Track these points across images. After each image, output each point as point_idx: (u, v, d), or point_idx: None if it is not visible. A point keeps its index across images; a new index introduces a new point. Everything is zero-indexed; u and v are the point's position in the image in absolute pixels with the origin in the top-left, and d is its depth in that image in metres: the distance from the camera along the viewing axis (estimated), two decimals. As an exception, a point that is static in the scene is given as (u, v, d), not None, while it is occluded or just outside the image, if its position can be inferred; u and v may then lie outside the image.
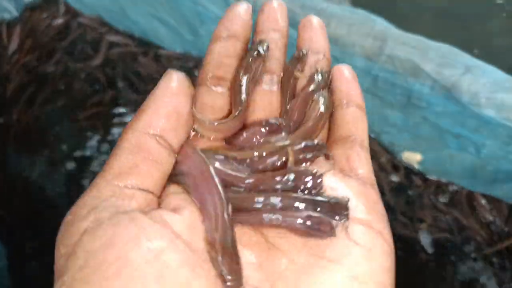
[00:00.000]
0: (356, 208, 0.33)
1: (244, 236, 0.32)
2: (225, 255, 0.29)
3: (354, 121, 0.38)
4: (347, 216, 0.32)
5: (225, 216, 0.31)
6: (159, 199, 0.32)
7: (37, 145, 0.98)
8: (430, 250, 0.92)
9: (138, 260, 0.26)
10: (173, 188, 0.32)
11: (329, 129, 0.40)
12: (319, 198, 0.33)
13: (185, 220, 0.30)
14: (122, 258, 0.26)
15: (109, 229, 0.27)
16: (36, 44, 1.05)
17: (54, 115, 1.01)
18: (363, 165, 0.36)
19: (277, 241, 0.32)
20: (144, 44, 1.06)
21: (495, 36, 0.87)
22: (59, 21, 1.07)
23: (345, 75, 0.41)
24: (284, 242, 0.32)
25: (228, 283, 0.29)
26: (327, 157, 0.36)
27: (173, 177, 0.33)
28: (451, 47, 0.77)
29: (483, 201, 0.94)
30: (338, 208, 0.32)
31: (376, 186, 0.36)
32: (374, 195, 0.35)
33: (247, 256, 0.31)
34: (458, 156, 0.89)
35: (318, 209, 0.32)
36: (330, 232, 0.32)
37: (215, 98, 0.36)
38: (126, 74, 1.04)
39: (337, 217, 0.32)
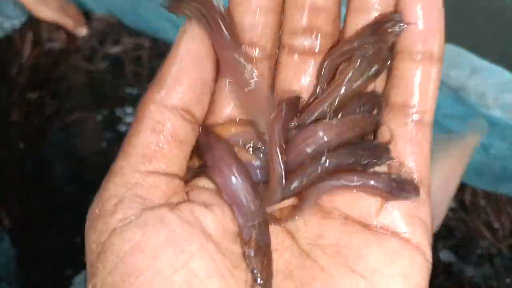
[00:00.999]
0: (392, 216, 0.30)
1: (275, 239, 0.31)
2: (260, 253, 0.28)
3: (418, 83, 0.30)
4: (389, 158, 0.30)
5: (261, 212, 0.29)
6: (186, 185, 0.30)
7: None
8: (441, 254, 0.93)
9: (166, 268, 0.25)
10: (202, 181, 0.30)
11: (385, 85, 0.32)
12: (360, 144, 0.30)
13: (217, 217, 0.28)
14: (150, 266, 0.25)
15: (138, 231, 0.26)
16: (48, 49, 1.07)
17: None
18: (415, 153, 0.30)
19: (309, 247, 0.30)
20: (156, 43, 1.07)
21: (502, 37, 0.86)
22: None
23: (423, 4, 0.30)
24: (316, 250, 0.30)
25: (259, 282, 0.28)
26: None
27: (200, 168, 0.31)
28: (458, 48, 0.76)
29: (486, 200, 0.94)
30: (380, 151, 0.30)
31: (427, 182, 0.30)
32: (425, 208, 0.30)
33: (276, 262, 0.30)
34: (466, 155, 0.89)
35: (361, 153, 0.30)
36: (415, 192, 0.29)
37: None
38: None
39: (379, 161, 0.30)
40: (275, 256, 0.30)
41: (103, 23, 1.08)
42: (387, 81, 0.32)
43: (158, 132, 0.28)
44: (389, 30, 0.30)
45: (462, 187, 0.95)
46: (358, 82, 0.31)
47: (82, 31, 1.03)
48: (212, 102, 0.31)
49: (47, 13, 0.98)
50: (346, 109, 0.31)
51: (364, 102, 0.31)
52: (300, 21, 0.31)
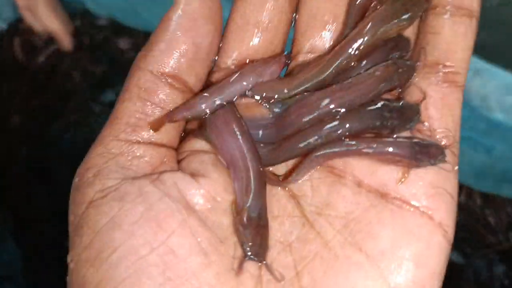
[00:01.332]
0: (414, 186, 0.27)
1: (277, 204, 0.28)
2: (251, 225, 0.26)
3: (453, 40, 0.28)
4: (419, 120, 0.28)
5: (256, 177, 0.27)
6: (179, 153, 0.28)
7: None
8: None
9: (142, 246, 0.24)
10: (199, 143, 0.28)
11: (415, 43, 0.30)
12: (390, 104, 0.28)
13: (205, 188, 0.26)
14: (126, 243, 0.24)
15: (115, 204, 0.25)
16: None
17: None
18: (446, 116, 0.28)
19: (314, 217, 0.28)
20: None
21: (505, 38, 0.86)
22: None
23: None
24: (322, 220, 0.27)
25: (248, 257, 0.26)
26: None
27: (199, 130, 0.29)
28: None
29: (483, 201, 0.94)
30: (410, 112, 0.28)
31: (456, 150, 0.28)
32: (452, 178, 0.28)
33: (276, 231, 0.27)
34: (468, 157, 0.89)
35: (390, 114, 0.27)
36: (442, 156, 0.27)
37: (265, 6, 0.28)
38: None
39: (410, 123, 0.28)
40: (274, 225, 0.28)
41: (103, 24, 1.08)
42: (418, 36, 0.30)
43: (144, 100, 0.26)
44: None
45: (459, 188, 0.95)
46: (387, 27, 0.28)
47: (68, 45, 1.00)
48: (222, 41, 0.29)
49: (33, 21, 0.96)
50: (371, 55, 0.29)
51: (392, 48, 0.29)
52: None
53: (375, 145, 0.27)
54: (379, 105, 0.28)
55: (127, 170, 0.26)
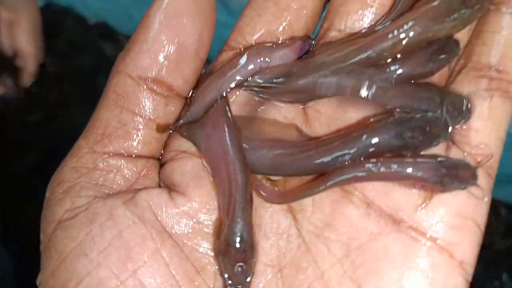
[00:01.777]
0: (436, 215, 0.23)
1: (270, 220, 0.25)
2: (233, 251, 0.23)
3: (508, 42, 0.24)
4: (447, 136, 0.23)
5: (242, 193, 0.23)
6: (164, 152, 0.26)
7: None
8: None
9: (110, 279, 0.22)
10: (186, 144, 0.26)
11: (468, 38, 0.26)
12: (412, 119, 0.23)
13: (182, 208, 0.24)
14: (92, 275, 0.22)
15: (83, 228, 0.23)
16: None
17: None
18: (490, 130, 0.24)
19: (311, 238, 0.24)
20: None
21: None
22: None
23: None
24: (320, 244, 0.24)
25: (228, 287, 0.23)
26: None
27: (187, 129, 0.26)
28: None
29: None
30: (436, 127, 0.23)
31: (494, 172, 0.24)
32: (483, 206, 0.23)
33: (266, 252, 0.24)
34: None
35: (411, 132, 0.23)
36: (472, 179, 0.23)
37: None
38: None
39: (436, 140, 0.23)
40: (265, 245, 0.24)
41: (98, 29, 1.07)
42: (472, 34, 0.26)
43: (121, 108, 0.24)
44: None
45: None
46: (437, 27, 0.24)
47: (33, 71, 0.91)
48: (240, 16, 0.26)
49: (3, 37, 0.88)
50: (408, 57, 0.25)
51: (435, 52, 0.24)
52: None
53: (391, 169, 0.23)
54: (397, 119, 0.23)
55: (100, 186, 0.24)
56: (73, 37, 1.07)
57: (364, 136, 0.23)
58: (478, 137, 0.23)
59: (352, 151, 0.23)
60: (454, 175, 0.22)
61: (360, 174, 0.23)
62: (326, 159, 0.23)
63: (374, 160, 0.23)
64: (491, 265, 0.91)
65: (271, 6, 0.25)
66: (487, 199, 0.24)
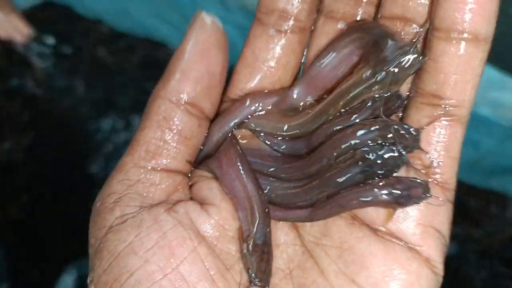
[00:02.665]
0: (403, 224, 0.27)
1: (279, 231, 0.30)
2: (257, 252, 0.28)
3: (456, 70, 0.25)
4: (405, 163, 0.27)
5: (261, 207, 0.28)
6: (191, 178, 0.30)
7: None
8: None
9: (156, 272, 0.26)
10: (206, 173, 0.30)
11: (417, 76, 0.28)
12: (372, 156, 0.27)
13: (213, 216, 0.28)
14: (141, 269, 0.26)
15: (132, 231, 0.27)
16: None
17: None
18: (442, 152, 0.27)
19: (312, 246, 0.29)
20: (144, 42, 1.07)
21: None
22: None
23: None
24: (319, 250, 0.29)
25: (254, 283, 0.28)
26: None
27: (204, 162, 0.30)
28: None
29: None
30: (393, 160, 0.27)
31: (452, 187, 0.27)
32: (442, 214, 0.27)
33: (278, 259, 0.29)
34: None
35: (372, 168, 0.27)
36: (425, 194, 0.26)
37: (274, 44, 0.29)
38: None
39: (395, 170, 0.27)
40: (277, 253, 0.29)
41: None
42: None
43: (163, 128, 0.28)
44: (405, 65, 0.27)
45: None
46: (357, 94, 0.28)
47: (22, 39, 0.97)
48: (234, 73, 0.30)
49: None
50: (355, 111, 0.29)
51: (377, 107, 0.28)
52: None
53: (357, 200, 0.27)
54: (359, 159, 0.28)
55: (144, 197, 0.28)
56: (71, 34, 1.08)
57: (336, 177, 0.28)
58: (433, 160, 0.27)
59: (328, 189, 0.28)
60: (408, 194, 0.26)
61: (335, 209, 0.28)
62: (310, 195, 0.29)
63: (343, 196, 0.28)
64: (487, 257, 0.92)
65: (260, 65, 0.30)
66: (446, 210, 0.27)
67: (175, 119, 0.28)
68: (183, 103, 0.28)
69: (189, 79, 0.28)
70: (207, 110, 0.29)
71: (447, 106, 0.26)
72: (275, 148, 0.30)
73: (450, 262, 0.90)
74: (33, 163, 0.97)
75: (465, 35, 0.25)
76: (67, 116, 1.03)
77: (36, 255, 0.88)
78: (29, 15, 1.07)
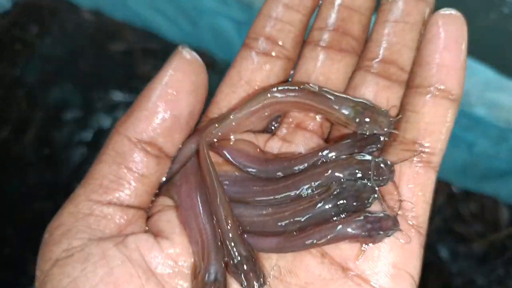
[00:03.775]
0: (376, 264, 0.27)
1: None
2: None
3: (432, 120, 0.29)
4: (375, 198, 0.28)
5: (213, 241, 0.27)
6: (152, 206, 0.29)
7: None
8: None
9: None
10: (168, 201, 0.29)
11: (397, 117, 0.30)
12: (344, 190, 0.28)
13: (166, 251, 0.27)
14: None
15: (78, 266, 0.26)
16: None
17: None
18: (416, 196, 0.28)
19: (275, 282, 0.28)
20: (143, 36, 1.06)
21: (486, 33, 0.86)
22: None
23: (444, 39, 0.29)
24: (281, 287, 0.28)
25: None
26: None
27: (165, 186, 0.30)
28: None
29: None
30: (366, 193, 0.28)
31: (424, 231, 0.28)
32: (415, 259, 0.28)
33: None
34: (450, 154, 0.90)
35: (345, 202, 0.28)
36: (394, 226, 0.27)
37: (260, 65, 0.30)
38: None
39: (367, 204, 0.28)
40: (235, 287, 0.28)
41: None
42: (399, 112, 0.30)
43: (119, 164, 0.27)
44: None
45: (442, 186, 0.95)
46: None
47: None
48: (217, 92, 0.31)
49: None
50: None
51: (360, 146, 0.30)
52: (331, 18, 0.31)
53: (328, 234, 0.27)
54: (333, 193, 0.28)
55: (94, 230, 0.27)
56: (67, 24, 1.07)
57: (309, 209, 0.28)
58: (408, 203, 0.28)
59: (302, 219, 0.28)
60: (378, 227, 0.27)
61: (307, 242, 0.28)
62: (279, 224, 0.28)
63: (314, 230, 0.28)
64: (479, 259, 0.91)
65: (243, 85, 0.30)
66: (419, 254, 0.28)
67: (131, 157, 0.27)
68: (141, 141, 0.27)
69: (150, 120, 0.27)
70: (167, 150, 0.28)
71: (424, 154, 0.28)
72: (247, 169, 0.30)
73: (443, 264, 0.90)
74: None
75: (443, 93, 0.28)
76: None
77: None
78: (28, 4, 1.06)
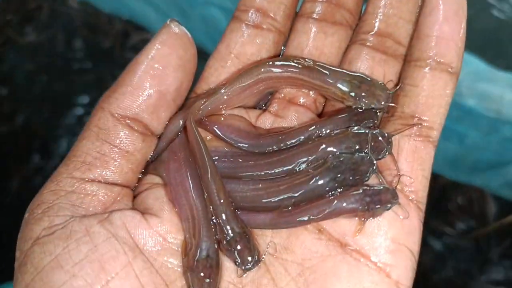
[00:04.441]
0: (375, 240, 0.27)
1: None
2: (199, 267, 0.26)
3: (431, 94, 0.28)
4: (374, 171, 0.27)
5: (204, 217, 0.27)
6: (140, 185, 0.28)
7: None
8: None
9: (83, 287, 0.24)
10: (157, 179, 0.28)
11: (394, 90, 0.29)
12: (343, 162, 0.27)
13: (154, 228, 0.26)
14: (67, 284, 0.24)
15: (60, 243, 0.24)
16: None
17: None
18: (415, 170, 0.28)
19: (270, 260, 0.27)
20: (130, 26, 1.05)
21: (477, 26, 0.87)
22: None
23: (443, 12, 0.28)
24: (277, 265, 0.27)
25: None
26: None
27: (153, 164, 0.29)
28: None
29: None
30: (364, 166, 0.27)
31: (423, 206, 0.28)
32: (415, 235, 0.27)
33: (230, 271, 0.27)
34: (441, 145, 0.90)
35: (343, 175, 0.27)
36: (393, 199, 0.26)
37: (250, 38, 0.29)
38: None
39: (365, 177, 0.27)
40: (228, 265, 0.27)
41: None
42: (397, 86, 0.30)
43: (102, 140, 0.26)
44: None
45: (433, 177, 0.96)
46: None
47: None
48: (206, 68, 0.30)
49: None
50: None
51: (356, 120, 0.29)
52: None
53: (325, 209, 0.27)
54: (330, 166, 0.28)
55: (77, 208, 0.26)
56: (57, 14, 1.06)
57: (306, 183, 0.27)
58: (406, 177, 0.27)
59: (297, 194, 0.27)
60: (377, 200, 0.26)
61: (303, 218, 0.27)
62: (273, 199, 0.27)
63: (311, 205, 0.27)
64: (472, 251, 0.92)
65: (233, 59, 0.29)
66: (418, 230, 0.27)
67: (116, 133, 0.26)
68: (125, 118, 0.26)
69: (135, 95, 0.26)
70: (153, 127, 0.27)
71: (423, 128, 0.28)
72: (238, 145, 0.29)
73: (436, 256, 0.90)
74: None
75: (443, 66, 0.28)
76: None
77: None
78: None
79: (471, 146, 0.86)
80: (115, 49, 1.04)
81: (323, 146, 0.28)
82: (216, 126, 0.29)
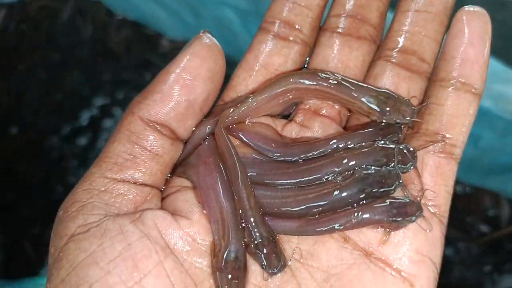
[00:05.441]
0: (399, 250, 0.27)
1: None
2: (227, 269, 0.26)
3: (455, 113, 0.29)
4: (400, 185, 0.28)
5: (233, 220, 0.27)
6: (168, 187, 0.29)
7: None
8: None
9: (118, 284, 0.25)
10: (186, 182, 0.29)
11: (418, 111, 0.30)
12: (370, 176, 0.28)
13: (184, 229, 0.27)
14: (101, 280, 0.24)
15: (95, 241, 0.25)
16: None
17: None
18: (439, 186, 0.29)
19: (296, 265, 0.28)
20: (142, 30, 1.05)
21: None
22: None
23: (468, 35, 0.29)
24: (303, 270, 0.28)
25: None
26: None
27: (181, 167, 0.30)
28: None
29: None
30: (390, 180, 0.28)
31: (445, 220, 0.29)
32: (438, 247, 0.28)
33: (256, 275, 0.28)
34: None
35: (370, 187, 0.28)
36: (419, 212, 0.27)
37: (277, 50, 0.31)
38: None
39: (392, 190, 0.28)
40: (254, 268, 0.28)
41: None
42: (422, 103, 0.31)
43: (132, 143, 0.27)
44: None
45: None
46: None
47: None
48: (233, 76, 0.31)
49: None
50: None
51: (381, 135, 0.30)
52: (349, 4, 0.31)
53: (352, 219, 0.27)
54: (358, 177, 0.28)
55: (110, 207, 0.27)
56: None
57: (334, 193, 0.28)
58: (430, 192, 0.28)
59: (325, 203, 0.28)
60: (403, 212, 0.27)
61: (330, 226, 0.27)
62: (301, 207, 0.28)
63: (338, 214, 0.27)
64: (484, 255, 0.91)
65: (261, 69, 0.31)
66: (441, 243, 0.28)
67: (145, 136, 0.28)
68: (154, 123, 0.27)
69: (164, 103, 0.27)
70: (180, 133, 0.28)
71: (447, 145, 0.29)
72: (265, 152, 0.30)
73: (448, 259, 0.89)
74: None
75: (466, 87, 0.29)
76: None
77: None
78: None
79: (486, 148, 0.85)
80: (123, 50, 1.04)
81: (352, 158, 0.29)
82: (243, 133, 0.30)
